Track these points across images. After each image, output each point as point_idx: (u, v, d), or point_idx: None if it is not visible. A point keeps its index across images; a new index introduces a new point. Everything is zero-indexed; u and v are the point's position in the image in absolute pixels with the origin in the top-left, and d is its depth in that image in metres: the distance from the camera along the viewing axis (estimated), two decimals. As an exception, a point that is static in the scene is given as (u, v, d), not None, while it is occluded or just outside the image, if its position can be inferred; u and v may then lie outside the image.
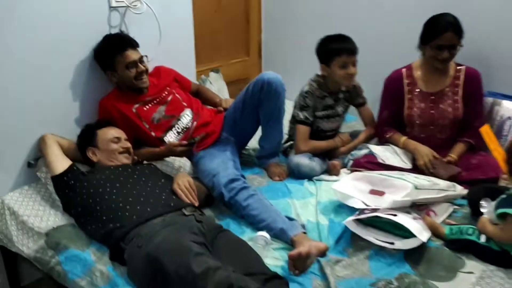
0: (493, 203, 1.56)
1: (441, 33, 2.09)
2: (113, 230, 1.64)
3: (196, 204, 1.82)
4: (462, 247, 1.62)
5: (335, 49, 2.21)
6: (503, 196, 1.54)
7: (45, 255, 1.72)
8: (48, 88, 2.04)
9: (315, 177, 2.19)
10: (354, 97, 2.43)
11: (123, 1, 2.19)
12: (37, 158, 2.04)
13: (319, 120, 2.34)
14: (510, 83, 2.34)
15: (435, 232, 1.70)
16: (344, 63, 2.20)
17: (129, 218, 1.65)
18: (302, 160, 2.19)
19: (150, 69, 2.27)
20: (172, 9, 2.43)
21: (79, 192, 1.81)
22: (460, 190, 1.95)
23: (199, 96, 2.47)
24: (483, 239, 1.57)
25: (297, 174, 2.20)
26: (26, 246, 1.79)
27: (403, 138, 2.25)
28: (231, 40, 3.10)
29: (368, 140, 2.39)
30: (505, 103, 2.28)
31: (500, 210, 1.49)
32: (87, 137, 2.01)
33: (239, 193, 1.87)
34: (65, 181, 1.86)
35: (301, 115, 2.28)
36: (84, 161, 2.02)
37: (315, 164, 2.20)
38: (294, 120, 2.33)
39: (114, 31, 2.22)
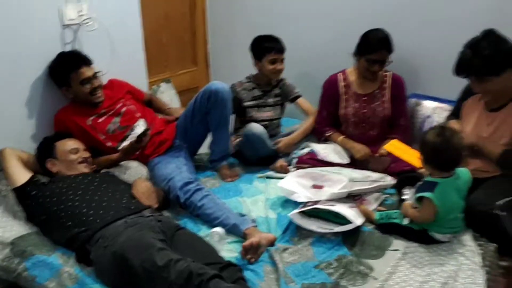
0: (413, 190, 1.83)
1: (375, 50, 2.38)
2: (78, 234, 1.76)
3: (155, 206, 1.97)
4: (390, 229, 1.88)
5: (267, 47, 2.56)
6: (420, 182, 1.81)
7: (12, 263, 1.78)
8: (4, 104, 2.11)
9: (264, 174, 2.42)
10: (288, 93, 2.72)
11: (75, 19, 2.31)
12: (-4, 172, 2.11)
13: (249, 109, 2.62)
14: (430, 85, 2.65)
15: (368, 218, 1.95)
16: (273, 59, 2.54)
17: (93, 222, 1.78)
18: (253, 125, 2.46)
19: (104, 81, 2.40)
20: (123, 25, 2.56)
21: (42, 201, 1.91)
22: (389, 180, 2.22)
23: (152, 106, 2.61)
24: (406, 221, 1.83)
25: (251, 138, 2.43)
26: (-9, 257, 1.86)
27: (341, 137, 2.52)
28: (179, 52, 3.26)
29: (311, 125, 2.67)
30: (426, 102, 2.60)
31: (417, 195, 1.76)
32: (46, 149, 2.12)
33: (194, 194, 2.04)
34: (27, 192, 1.96)
35: None
36: (43, 173, 2.11)
37: (261, 127, 2.47)
38: (248, 120, 2.60)
39: (68, 48, 2.32)
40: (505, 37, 1.92)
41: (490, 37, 1.91)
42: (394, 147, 2.26)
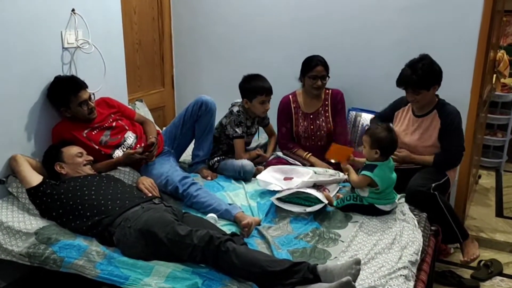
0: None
1: (314, 67, 2.91)
2: (100, 220, 2.08)
3: (159, 196, 2.34)
4: (347, 208, 2.41)
5: (258, 90, 2.86)
6: (364, 165, 2.38)
7: (38, 249, 2.03)
8: (11, 119, 2.37)
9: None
10: (262, 120, 3.15)
11: (73, 43, 2.64)
12: (7, 176, 2.35)
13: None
14: (366, 101, 3.28)
15: (329, 203, 2.46)
16: (263, 101, 2.89)
17: (113, 209, 2.11)
18: (244, 162, 2.82)
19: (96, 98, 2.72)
20: (110, 49, 2.90)
21: (58, 198, 2.20)
22: (342, 176, 2.75)
23: (143, 127, 2.88)
24: (361, 193, 2.37)
25: (242, 174, 2.77)
26: (16, 246, 2.08)
27: (305, 153, 3.01)
28: (150, 74, 3.64)
29: (276, 144, 3.16)
30: (364, 114, 3.22)
31: (361, 173, 2.34)
32: (53, 154, 2.40)
33: (190, 186, 2.44)
34: (42, 191, 2.23)
35: (238, 130, 2.91)
36: (49, 177, 2.39)
37: (251, 164, 2.84)
38: (227, 137, 2.95)
39: (66, 68, 2.63)
40: (435, 61, 2.57)
41: (424, 60, 2.57)
42: (334, 154, 2.65)
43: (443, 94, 2.72)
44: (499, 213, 3.62)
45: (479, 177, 4.21)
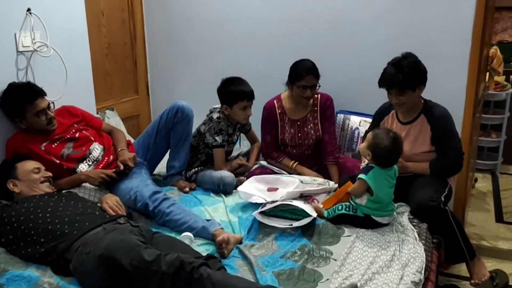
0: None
1: (303, 77, 2.60)
2: (55, 246, 1.80)
3: (125, 214, 2.06)
4: (339, 220, 2.16)
5: (239, 94, 2.60)
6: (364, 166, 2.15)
7: None
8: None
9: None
10: (243, 126, 2.88)
11: (29, 46, 2.37)
12: (-48, 198, 2.06)
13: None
14: (354, 103, 3.05)
15: (318, 214, 2.21)
16: (244, 106, 2.63)
17: (70, 233, 1.83)
18: (224, 173, 2.55)
19: (57, 106, 2.45)
20: (74, 53, 2.65)
21: (8, 222, 1.91)
22: (332, 184, 2.51)
23: (112, 137, 2.63)
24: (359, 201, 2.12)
25: (222, 187, 2.52)
26: (-42, 279, 1.81)
27: (291, 163, 2.75)
28: (121, 81, 3.37)
29: (259, 151, 2.89)
30: (352, 117, 2.99)
31: (358, 176, 2.09)
32: (6, 171, 2.12)
33: (162, 202, 2.17)
34: (-10, 214, 1.95)
35: (218, 139, 2.65)
36: (1, 196, 2.10)
37: (232, 175, 2.58)
38: (206, 146, 2.69)
39: (21, 74, 2.37)
40: (419, 60, 2.33)
41: (409, 58, 2.32)
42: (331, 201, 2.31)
43: (436, 93, 2.49)
44: (499, 218, 3.41)
45: (475, 180, 4.00)
